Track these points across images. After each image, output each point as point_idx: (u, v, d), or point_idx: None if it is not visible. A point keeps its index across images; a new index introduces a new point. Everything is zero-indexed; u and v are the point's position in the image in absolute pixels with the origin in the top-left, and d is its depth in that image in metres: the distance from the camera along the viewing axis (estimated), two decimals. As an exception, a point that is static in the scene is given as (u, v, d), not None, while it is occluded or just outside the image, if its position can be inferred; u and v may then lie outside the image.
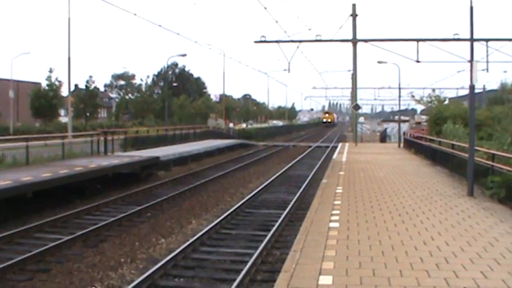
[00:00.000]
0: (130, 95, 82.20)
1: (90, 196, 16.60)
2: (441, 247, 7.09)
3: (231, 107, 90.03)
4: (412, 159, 23.93)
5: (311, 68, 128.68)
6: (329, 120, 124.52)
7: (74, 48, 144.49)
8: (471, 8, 11.66)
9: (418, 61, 28.63)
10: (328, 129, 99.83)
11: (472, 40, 11.97)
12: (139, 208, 14.69)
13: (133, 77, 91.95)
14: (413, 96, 52.02)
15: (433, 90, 43.57)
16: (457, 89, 72.25)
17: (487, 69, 27.29)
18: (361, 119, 46.94)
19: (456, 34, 27.42)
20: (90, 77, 64.39)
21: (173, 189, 18.89)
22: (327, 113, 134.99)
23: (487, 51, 26.17)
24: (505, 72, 63.99)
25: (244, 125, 75.49)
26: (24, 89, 58.75)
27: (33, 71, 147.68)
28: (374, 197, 11.98)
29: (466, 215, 9.63)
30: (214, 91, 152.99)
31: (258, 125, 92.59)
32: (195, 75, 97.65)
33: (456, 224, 8.76)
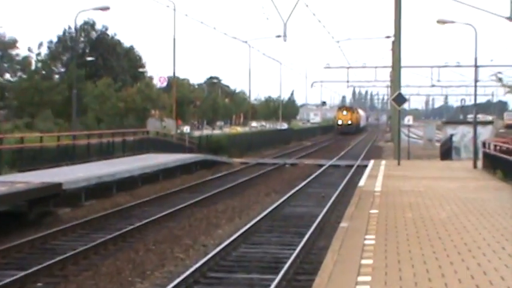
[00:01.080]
0: (8, 75, 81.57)
1: None
2: None
3: (186, 99, 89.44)
4: (499, 188, 24.15)
5: (322, 33, 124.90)
6: (349, 122, 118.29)
7: None
8: None
9: (511, 18, 28.63)
10: (350, 138, 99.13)
11: None
12: (23, 274, 14.52)
13: (14, 44, 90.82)
14: (500, 79, 52.09)
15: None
16: None
17: None
18: (409, 120, 46.79)
19: None
20: None
21: (85, 240, 18.81)
22: (345, 109, 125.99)
23: None
24: None
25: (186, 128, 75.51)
26: None
27: None
28: (431, 254, 12.14)
29: None
30: (158, 72, 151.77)
31: (232, 130, 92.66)
32: (126, 44, 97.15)
33: None
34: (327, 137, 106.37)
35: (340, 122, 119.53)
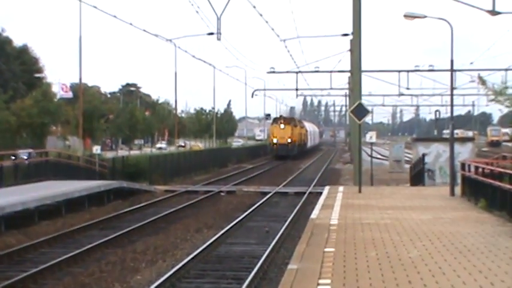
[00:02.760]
0: None
1: None
2: None
3: (96, 111, 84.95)
4: (481, 220, 23.90)
5: (265, 30, 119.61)
6: (288, 141, 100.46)
7: None
8: None
9: (494, 12, 27.21)
10: (298, 160, 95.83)
11: None
12: None
13: None
14: (484, 81, 50.51)
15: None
16: None
17: None
18: (371, 136, 45.68)
19: None
20: None
21: None
22: (282, 121, 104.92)
23: None
24: None
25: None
26: None
27: None
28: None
29: None
30: (60, 78, 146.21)
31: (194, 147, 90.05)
32: (18, 43, 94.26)
33: None
34: (272, 157, 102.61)
35: (275, 141, 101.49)
